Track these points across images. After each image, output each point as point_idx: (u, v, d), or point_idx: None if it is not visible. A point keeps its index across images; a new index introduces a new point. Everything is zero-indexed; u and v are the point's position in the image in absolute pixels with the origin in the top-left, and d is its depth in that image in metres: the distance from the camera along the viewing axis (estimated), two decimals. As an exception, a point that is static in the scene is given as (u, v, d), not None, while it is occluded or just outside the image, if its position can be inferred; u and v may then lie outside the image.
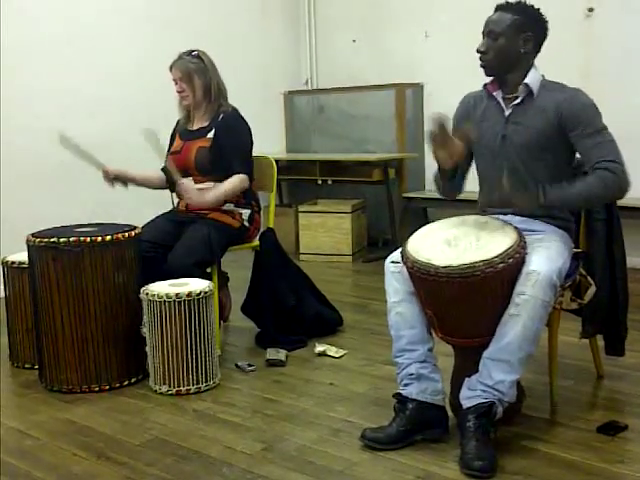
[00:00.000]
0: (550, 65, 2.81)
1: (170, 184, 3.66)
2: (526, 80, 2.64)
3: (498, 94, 2.72)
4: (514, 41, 2.62)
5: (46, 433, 2.73)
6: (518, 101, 2.66)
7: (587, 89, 2.64)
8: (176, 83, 3.58)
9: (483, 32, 2.67)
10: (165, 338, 3.01)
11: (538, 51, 2.69)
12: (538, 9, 2.67)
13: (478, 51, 2.66)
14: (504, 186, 2.51)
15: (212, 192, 3.46)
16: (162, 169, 3.61)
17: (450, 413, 2.60)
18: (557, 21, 2.81)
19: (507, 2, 2.67)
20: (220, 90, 3.60)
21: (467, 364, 2.52)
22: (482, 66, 2.69)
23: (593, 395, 2.98)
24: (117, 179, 3.59)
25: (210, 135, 3.56)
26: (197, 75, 3.56)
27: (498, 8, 2.67)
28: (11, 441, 2.68)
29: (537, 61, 2.69)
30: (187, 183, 3.45)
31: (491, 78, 2.72)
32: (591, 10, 5.00)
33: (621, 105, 4.57)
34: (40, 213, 4.48)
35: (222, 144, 3.53)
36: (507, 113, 2.69)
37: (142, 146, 5.08)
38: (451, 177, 2.81)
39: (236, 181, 3.50)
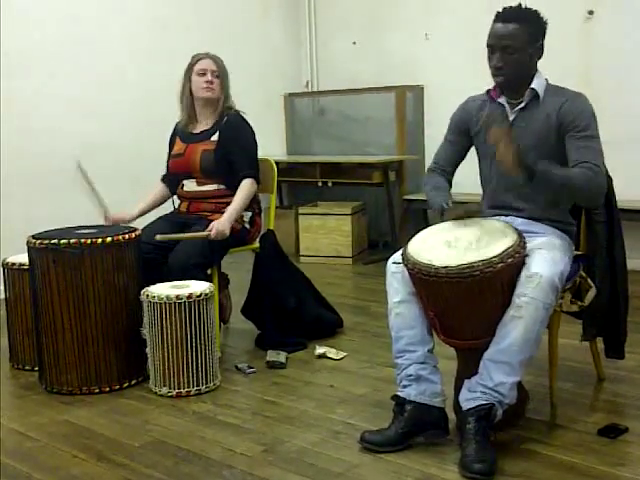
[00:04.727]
0: (550, 67, 2.81)
1: (173, 189, 3.68)
2: (533, 85, 2.64)
3: (502, 99, 2.72)
4: (529, 53, 2.61)
5: (46, 435, 2.73)
6: (523, 105, 2.66)
7: (587, 91, 2.65)
8: (204, 74, 3.55)
9: (494, 45, 2.59)
10: (165, 340, 3.01)
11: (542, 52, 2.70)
12: (538, 12, 2.65)
13: (495, 67, 2.61)
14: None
15: (231, 213, 3.43)
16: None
17: (453, 416, 2.60)
18: (557, 23, 2.81)
19: (511, 10, 2.60)
20: (229, 95, 3.63)
21: (470, 367, 2.52)
22: (499, 81, 2.63)
23: (593, 398, 2.97)
24: (117, 222, 3.53)
25: (214, 138, 3.57)
26: (225, 75, 3.61)
27: (504, 18, 2.59)
28: (11, 443, 2.68)
29: (538, 63, 2.70)
30: (217, 224, 3.36)
31: (493, 83, 2.72)
32: (591, 13, 5.00)
33: (621, 107, 4.57)
34: (40, 215, 4.48)
35: (227, 147, 3.53)
36: (512, 118, 2.69)
37: (142, 148, 5.13)
38: None
39: (246, 187, 3.51)
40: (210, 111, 3.63)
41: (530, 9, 2.65)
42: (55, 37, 4.94)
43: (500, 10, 2.63)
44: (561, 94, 2.64)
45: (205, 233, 3.34)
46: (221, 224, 3.36)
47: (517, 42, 2.57)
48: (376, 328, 3.85)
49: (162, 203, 3.77)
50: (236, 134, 3.56)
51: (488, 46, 2.63)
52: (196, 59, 3.59)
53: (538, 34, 2.62)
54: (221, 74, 3.59)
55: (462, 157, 2.88)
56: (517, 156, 2.43)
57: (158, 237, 3.30)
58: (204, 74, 3.56)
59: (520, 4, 2.67)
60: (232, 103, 3.64)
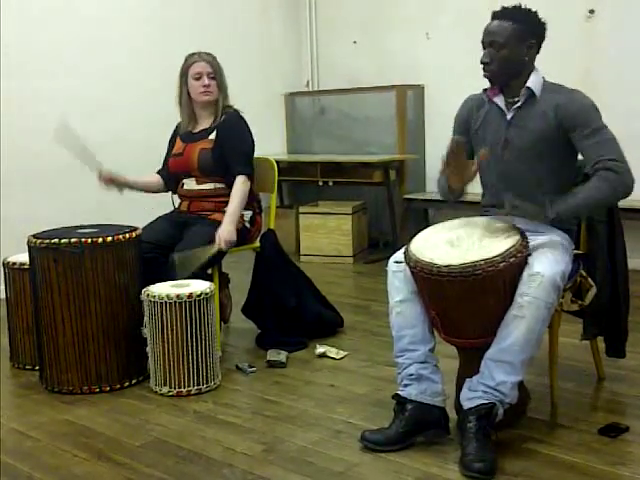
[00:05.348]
0: (551, 67, 2.81)
1: (172, 187, 3.68)
2: (528, 84, 2.64)
3: (499, 99, 2.71)
4: (518, 50, 2.61)
5: (46, 434, 2.73)
6: (519, 104, 2.66)
7: (587, 90, 2.65)
8: (199, 78, 3.55)
9: (484, 42, 2.64)
10: (166, 339, 3.01)
11: (538, 53, 2.69)
12: (536, 12, 2.65)
13: (482, 62, 2.64)
14: (507, 210, 2.54)
15: (230, 216, 3.42)
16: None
17: (453, 415, 2.60)
18: (558, 22, 2.81)
19: (505, 9, 2.64)
20: (227, 92, 3.62)
21: (471, 366, 2.52)
22: (486, 76, 2.67)
23: (594, 397, 2.97)
24: (111, 182, 3.53)
25: (212, 136, 3.57)
26: (221, 74, 3.60)
27: (496, 16, 2.64)
28: (11, 442, 2.68)
29: (538, 63, 2.69)
30: (222, 234, 3.35)
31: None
32: (592, 12, 5.00)
33: (622, 106, 4.57)
34: (40, 214, 4.48)
35: (224, 145, 3.53)
36: (509, 117, 2.69)
37: (143, 147, 5.13)
38: (458, 196, 2.79)
39: (240, 186, 3.50)
40: (210, 111, 3.63)
41: (525, 9, 2.65)
42: (55, 37, 4.93)
43: (496, 9, 2.65)
44: (557, 91, 2.64)
45: (216, 247, 3.32)
46: (226, 232, 3.36)
47: (503, 38, 2.59)
48: (376, 327, 3.85)
49: (153, 191, 3.76)
50: (232, 132, 3.56)
51: (481, 43, 2.67)
52: (190, 62, 3.57)
53: (528, 32, 2.61)
54: (216, 74, 3.57)
55: (471, 155, 2.87)
56: (540, 216, 2.52)
57: (176, 257, 3.23)
58: (200, 78, 3.55)
59: (518, 4, 2.66)
60: (228, 97, 3.63)
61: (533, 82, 2.65)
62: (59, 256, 3.03)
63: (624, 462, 2.37)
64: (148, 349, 3.09)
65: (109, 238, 3.08)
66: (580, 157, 2.66)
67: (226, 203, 3.55)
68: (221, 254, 3.41)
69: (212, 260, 3.36)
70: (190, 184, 3.60)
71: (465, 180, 2.61)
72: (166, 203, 3.78)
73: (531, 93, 2.65)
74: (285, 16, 6.45)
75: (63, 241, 3.03)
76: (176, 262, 3.20)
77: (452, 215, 2.76)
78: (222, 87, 3.60)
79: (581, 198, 2.53)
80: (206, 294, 3.05)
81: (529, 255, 2.43)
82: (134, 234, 3.18)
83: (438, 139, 2.98)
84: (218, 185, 3.56)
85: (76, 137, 3.23)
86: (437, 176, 2.82)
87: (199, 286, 3.09)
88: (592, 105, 2.59)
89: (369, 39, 6.18)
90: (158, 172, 3.77)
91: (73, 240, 3.04)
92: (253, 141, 3.63)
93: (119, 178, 3.56)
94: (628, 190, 2.52)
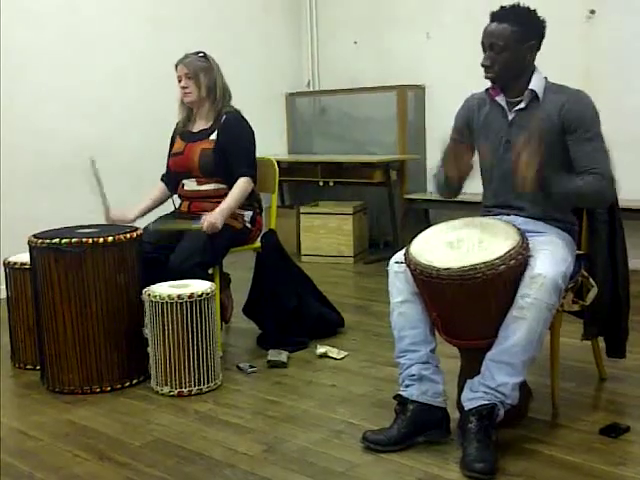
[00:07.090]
0: (551, 66, 2.81)
1: (173, 188, 3.69)
2: (531, 86, 2.63)
3: (501, 99, 2.71)
4: (519, 52, 2.60)
5: (47, 434, 2.73)
6: (522, 106, 2.66)
7: (587, 90, 2.65)
8: (180, 80, 3.57)
9: (484, 44, 2.63)
10: (167, 339, 3.01)
11: (538, 50, 2.68)
12: (535, 12, 2.63)
13: (483, 65, 2.64)
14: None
15: (223, 209, 3.42)
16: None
17: (455, 415, 2.59)
18: (558, 23, 2.80)
19: (503, 9, 2.62)
20: (224, 92, 3.61)
21: (473, 366, 2.51)
22: (488, 78, 2.67)
23: (595, 397, 2.98)
24: (117, 221, 3.54)
25: (213, 137, 3.57)
26: (202, 73, 3.56)
27: (495, 18, 2.62)
28: (12, 442, 2.68)
29: (538, 64, 2.69)
30: (209, 217, 3.37)
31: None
32: (592, 12, 5.00)
33: (622, 106, 4.57)
34: (41, 214, 4.48)
35: (225, 146, 3.53)
36: (510, 117, 2.69)
37: (142, 147, 5.13)
38: (456, 189, 2.79)
39: (241, 185, 3.50)
40: (205, 110, 3.62)
41: (524, 8, 2.63)
42: (56, 37, 4.94)
43: (495, 9, 2.64)
44: (561, 92, 2.64)
45: (198, 225, 3.35)
46: (212, 217, 3.37)
47: (504, 41, 2.58)
48: (377, 327, 3.85)
49: (162, 202, 3.78)
50: (234, 133, 3.56)
51: (481, 44, 2.65)
52: (175, 66, 3.61)
53: (530, 34, 2.60)
54: (193, 74, 3.55)
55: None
56: (539, 175, 2.46)
57: (151, 227, 3.30)
58: (180, 80, 3.58)
59: (517, 3, 2.65)
60: (227, 97, 3.62)
61: (536, 84, 2.64)
62: (60, 256, 3.03)
63: (625, 462, 2.37)
64: (149, 349, 3.09)
65: (110, 238, 3.08)
66: None
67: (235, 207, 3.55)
68: (215, 250, 3.42)
69: (191, 237, 3.36)
70: (190, 185, 3.60)
71: (462, 169, 2.60)
72: (166, 204, 3.78)
73: (534, 95, 2.64)
74: (286, 16, 6.45)
75: (64, 241, 3.03)
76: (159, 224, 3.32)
77: (453, 215, 2.76)
78: (204, 84, 3.56)
79: (573, 184, 2.54)
80: (207, 294, 3.05)
81: (530, 256, 2.43)
82: (135, 234, 3.18)
83: (439, 139, 2.96)
84: (219, 186, 3.56)
85: (97, 176, 3.42)
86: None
87: (200, 286, 3.09)
88: (595, 109, 2.60)
89: (370, 39, 6.18)
90: (162, 178, 3.77)
91: (74, 240, 3.04)
92: (255, 141, 3.63)
93: (126, 217, 3.55)
94: (609, 199, 2.65)
